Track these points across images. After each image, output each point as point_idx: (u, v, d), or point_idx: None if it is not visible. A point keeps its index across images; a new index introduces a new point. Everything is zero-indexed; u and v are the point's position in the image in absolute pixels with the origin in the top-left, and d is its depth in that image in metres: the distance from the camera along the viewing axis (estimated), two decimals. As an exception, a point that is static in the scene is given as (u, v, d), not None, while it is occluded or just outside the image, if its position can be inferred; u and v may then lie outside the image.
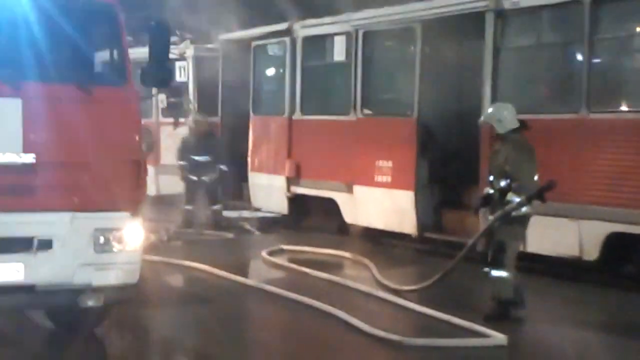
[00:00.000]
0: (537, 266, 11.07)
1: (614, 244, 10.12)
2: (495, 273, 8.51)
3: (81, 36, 7.20)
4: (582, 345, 8.12)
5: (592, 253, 10.29)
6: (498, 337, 7.67)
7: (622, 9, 10.31)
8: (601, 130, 10.28)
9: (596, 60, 10.44)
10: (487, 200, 8.92)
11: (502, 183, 8.59)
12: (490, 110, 9.28)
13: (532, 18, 11.41)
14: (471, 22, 11.86)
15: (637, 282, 10.12)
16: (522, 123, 8.81)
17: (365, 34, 13.73)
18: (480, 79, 11.73)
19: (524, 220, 8.60)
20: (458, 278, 10.44)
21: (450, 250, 12.59)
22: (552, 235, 10.71)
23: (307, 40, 14.94)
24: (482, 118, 9.42)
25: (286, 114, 15.25)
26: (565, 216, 10.52)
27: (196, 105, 18.08)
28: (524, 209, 8.44)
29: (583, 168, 10.39)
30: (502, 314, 8.51)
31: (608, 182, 10.12)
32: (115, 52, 7.22)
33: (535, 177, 8.57)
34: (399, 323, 8.45)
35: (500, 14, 11.51)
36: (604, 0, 10.28)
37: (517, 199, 8.34)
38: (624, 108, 10.45)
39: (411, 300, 9.34)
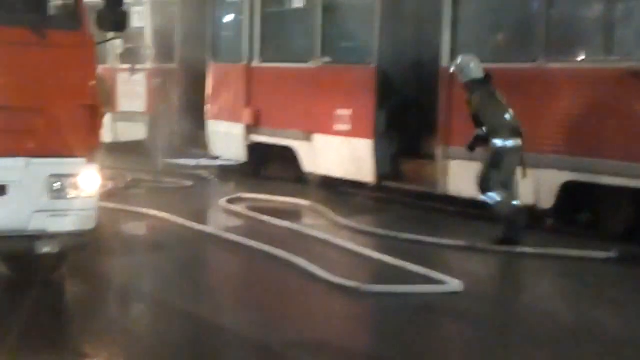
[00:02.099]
0: (490, 214, 11.22)
1: (569, 192, 10.26)
2: (486, 198, 9.66)
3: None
4: (535, 294, 8.26)
5: (547, 201, 10.41)
6: (453, 284, 7.74)
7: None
8: (559, 80, 10.35)
9: (555, 10, 10.47)
10: (476, 141, 9.96)
11: (479, 131, 9.73)
12: (458, 60, 10.04)
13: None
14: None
15: (590, 229, 10.29)
16: (487, 75, 9.83)
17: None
18: (439, 27, 11.72)
19: (501, 152, 9.60)
20: (416, 228, 10.58)
21: (408, 198, 12.72)
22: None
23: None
24: (452, 67, 10.22)
25: (245, 61, 15.16)
26: (539, 165, 10.61)
27: (153, 52, 17.94)
28: (503, 143, 9.54)
29: (540, 117, 10.46)
30: (510, 237, 9.48)
31: (564, 132, 10.23)
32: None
33: (507, 116, 9.69)
34: (357, 270, 8.51)
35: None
36: None
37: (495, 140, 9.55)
38: (581, 57, 10.51)
39: (369, 247, 9.42)
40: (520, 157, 9.70)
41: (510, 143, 9.63)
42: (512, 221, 9.60)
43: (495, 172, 9.66)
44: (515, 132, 9.69)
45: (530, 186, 10.53)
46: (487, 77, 9.92)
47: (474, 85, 9.88)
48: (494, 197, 9.63)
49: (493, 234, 9.71)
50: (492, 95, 9.81)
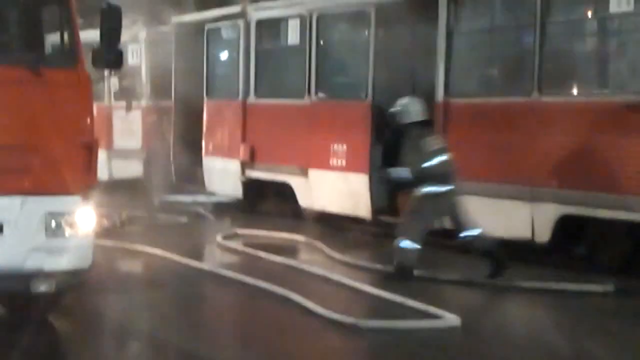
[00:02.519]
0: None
1: (565, 226, 10.26)
2: (401, 243, 9.71)
3: (30, 16, 7.14)
4: (533, 328, 8.23)
5: (544, 235, 10.41)
6: (451, 319, 7.72)
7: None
8: (552, 113, 10.39)
9: (547, 44, 10.53)
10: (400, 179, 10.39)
11: (405, 172, 10.07)
12: (400, 102, 10.17)
13: (484, 2, 11.50)
14: (425, 5, 11.91)
15: (588, 263, 10.28)
16: (427, 120, 10.24)
17: (319, 18, 13.74)
18: (433, 62, 11.79)
19: (425, 198, 9.75)
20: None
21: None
22: (504, 217, 10.82)
23: (261, 23, 14.92)
24: (393, 108, 10.28)
25: (240, 98, 15.22)
26: (518, 198, 10.63)
27: (148, 90, 18.00)
28: (424, 189, 9.71)
29: (535, 151, 10.49)
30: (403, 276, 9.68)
31: (559, 165, 10.25)
32: (65, 33, 7.14)
33: (435, 162, 9.74)
34: (354, 306, 8.49)
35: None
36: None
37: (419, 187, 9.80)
38: (574, 91, 10.58)
39: (366, 283, 9.40)
40: (450, 203, 9.86)
41: (434, 189, 9.70)
42: (404, 268, 9.73)
43: (417, 218, 9.93)
44: (444, 178, 9.74)
45: (526, 220, 10.55)
46: (426, 122, 10.19)
47: (410, 128, 10.04)
48: (405, 244, 9.73)
49: (485, 269, 9.72)
50: (426, 140, 9.88)
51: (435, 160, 9.77)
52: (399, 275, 9.71)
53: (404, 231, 9.86)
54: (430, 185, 9.69)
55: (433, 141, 9.92)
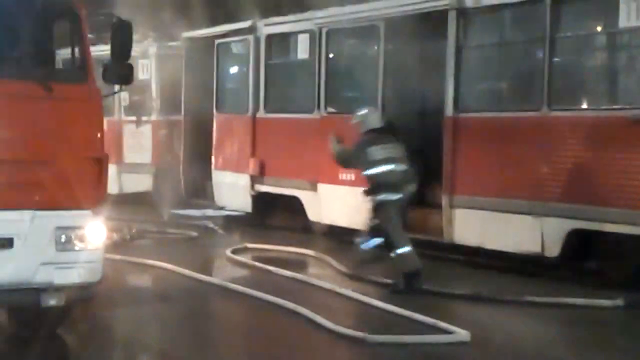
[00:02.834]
0: (497, 263, 11.20)
1: (575, 240, 10.24)
2: (392, 254, 9.95)
3: (41, 32, 7.18)
4: (542, 342, 8.21)
5: (553, 250, 10.39)
6: (461, 334, 7.70)
7: (582, 8, 10.44)
8: (562, 128, 10.38)
9: (557, 59, 10.53)
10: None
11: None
12: (361, 112, 10.65)
13: (493, 17, 11.50)
14: (434, 20, 11.93)
15: (598, 277, 10.26)
16: (383, 128, 10.54)
17: (328, 32, 13.77)
18: (443, 77, 11.80)
19: (383, 205, 10.08)
20: (424, 275, 10.54)
21: (414, 247, 12.69)
22: (513, 232, 10.81)
23: (271, 38, 14.96)
24: (354, 119, 10.79)
25: (250, 112, 15.25)
26: (527, 213, 10.61)
27: (158, 104, 18.06)
28: (380, 197, 10.06)
29: (544, 165, 10.48)
30: (407, 286, 9.80)
31: (569, 180, 10.23)
32: (76, 49, 7.18)
33: (369, 172, 10.17)
34: (363, 320, 8.48)
35: (462, 13, 11.59)
36: (558, 21, 10.41)
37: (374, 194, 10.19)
38: (584, 106, 10.56)
39: (375, 297, 9.38)
40: (402, 210, 10.21)
41: (386, 197, 10.02)
42: (412, 270, 9.90)
43: (389, 225, 10.09)
44: (394, 187, 10.03)
45: (536, 234, 10.53)
46: (384, 129, 10.48)
47: (368, 135, 10.37)
48: (371, 243, 10.28)
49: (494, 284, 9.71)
50: (372, 149, 10.16)
51: (378, 169, 10.07)
52: (409, 283, 9.80)
53: (394, 242, 9.99)
54: (384, 193, 10.02)
55: (380, 150, 10.13)
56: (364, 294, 9.55)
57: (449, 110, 11.69)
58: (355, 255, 10.47)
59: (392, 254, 9.95)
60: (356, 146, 10.45)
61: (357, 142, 10.44)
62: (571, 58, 10.70)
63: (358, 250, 10.44)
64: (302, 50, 14.34)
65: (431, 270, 11.30)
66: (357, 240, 10.54)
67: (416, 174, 10.38)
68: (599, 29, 10.51)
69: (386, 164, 10.06)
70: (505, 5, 11.19)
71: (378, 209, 10.20)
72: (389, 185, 10.05)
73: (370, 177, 10.21)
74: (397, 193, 10.03)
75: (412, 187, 10.25)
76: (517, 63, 11.36)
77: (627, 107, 9.88)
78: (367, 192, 10.29)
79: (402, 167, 10.15)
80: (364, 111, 10.79)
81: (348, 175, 13.17)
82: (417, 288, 9.75)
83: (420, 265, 9.96)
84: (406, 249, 9.92)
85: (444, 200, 11.72)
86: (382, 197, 10.06)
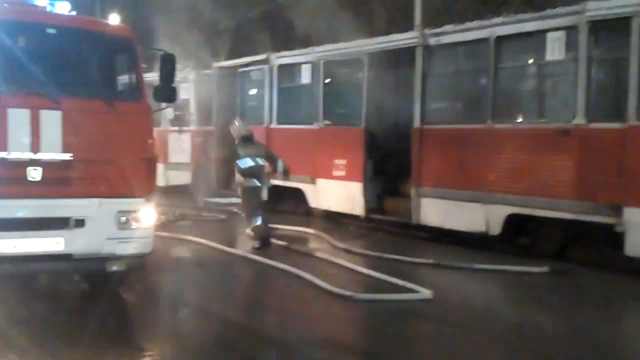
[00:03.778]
0: (454, 239, 11.22)
1: (512, 222, 10.27)
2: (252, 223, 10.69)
3: (106, 62, 7.21)
4: (488, 299, 8.24)
5: (495, 229, 10.42)
6: (425, 293, 7.73)
7: (517, 45, 10.43)
8: (502, 137, 10.39)
9: (499, 84, 10.54)
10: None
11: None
12: (235, 124, 11.73)
13: (450, 52, 11.48)
14: (405, 54, 11.94)
15: (529, 250, 10.28)
16: (250, 134, 11.39)
17: (325, 63, 13.76)
18: (412, 97, 11.81)
19: (246, 189, 10.93)
20: (396, 249, 10.57)
21: (390, 227, 12.71)
22: (465, 215, 10.84)
23: (281, 67, 14.93)
24: (230, 127, 11.73)
25: (265, 124, 15.23)
26: (476, 201, 10.64)
27: (196, 118, 18.08)
28: (245, 183, 10.88)
29: (489, 164, 10.49)
30: (263, 245, 10.58)
31: (507, 175, 10.25)
32: (133, 75, 7.21)
33: (252, 164, 10.83)
34: (351, 282, 8.46)
35: (427, 49, 11.61)
36: (503, 39, 10.40)
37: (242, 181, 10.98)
38: (519, 120, 10.56)
39: (360, 265, 9.39)
40: (259, 193, 10.80)
41: (249, 184, 10.78)
42: (262, 236, 10.67)
43: (247, 203, 10.98)
44: (256, 177, 10.78)
45: (482, 217, 10.55)
46: (251, 136, 11.33)
47: (240, 141, 11.15)
48: (254, 221, 10.67)
49: (452, 254, 9.71)
50: (249, 149, 10.98)
51: (246, 164, 10.80)
52: (263, 244, 10.60)
53: (247, 216, 10.87)
54: (250, 181, 10.78)
55: (247, 150, 10.93)
56: (352, 262, 9.56)
57: (416, 122, 11.69)
58: (255, 234, 10.71)
59: (253, 223, 10.66)
60: (234, 150, 11.24)
61: (235, 147, 11.25)
62: (509, 83, 10.69)
63: (255, 230, 10.68)
64: (305, 77, 14.31)
65: (402, 244, 11.35)
66: (249, 224, 10.82)
67: (272, 168, 11.19)
68: (530, 61, 10.50)
69: (252, 161, 10.81)
70: (459, 43, 11.19)
71: (243, 192, 10.99)
72: (254, 175, 10.77)
73: (240, 170, 10.87)
74: (259, 181, 10.76)
75: (267, 177, 11.04)
76: (468, 87, 11.36)
77: (552, 121, 9.91)
78: (237, 180, 11.09)
79: (260, 162, 10.85)
80: (236, 123, 11.73)
81: (340, 172, 13.19)
82: (268, 246, 10.60)
83: (269, 231, 10.90)
84: (258, 221, 10.62)
85: (413, 191, 11.72)
86: (247, 183, 10.80)
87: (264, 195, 10.87)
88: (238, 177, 11.04)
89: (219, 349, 6.24)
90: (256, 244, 10.59)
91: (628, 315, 7.86)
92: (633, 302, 8.21)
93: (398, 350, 6.15)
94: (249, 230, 10.76)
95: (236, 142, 11.25)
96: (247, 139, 11.19)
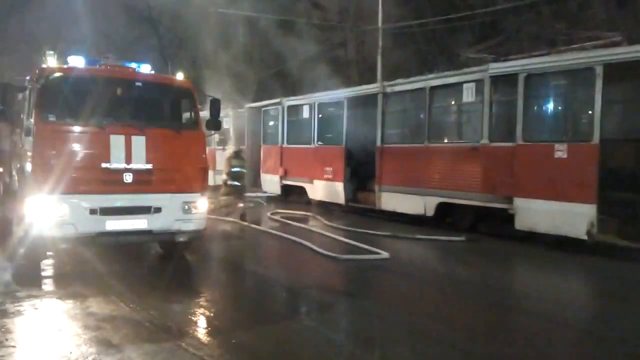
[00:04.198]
0: (403, 218, 11.25)
1: (441, 207, 10.31)
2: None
3: (175, 104, 7.23)
4: (425, 258, 8.26)
5: (430, 212, 10.46)
6: (385, 254, 7.76)
7: (444, 92, 10.46)
8: (434, 152, 10.43)
9: (432, 117, 10.57)
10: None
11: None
12: (229, 146, 12.14)
13: (400, 96, 11.52)
14: (371, 98, 11.97)
15: (452, 226, 10.32)
16: (237, 153, 11.47)
17: (318, 104, 13.79)
18: (375, 126, 11.84)
19: (231, 187, 11.11)
20: (365, 226, 10.56)
21: (361, 211, 12.75)
22: (410, 203, 10.87)
23: (289, 107, 14.95)
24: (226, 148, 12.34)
25: (279, 144, 15.25)
26: (417, 194, 10.67)
27: (233, 140, 18.08)
28: (231, 182, 11.07)
29: (426, 170, 10.53)
30: (242, 220, 10.79)
31: (438, 177, 10.29)
32: (192, 113, 7.22)
33: (236, 170, 11.09)
34: (336, 247, 8.49)
35: (385, 94, 11.64)
36: (435, 88, 10.43)
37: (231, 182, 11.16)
38: (446, 140, 10.57)
39: (341, 236, 9.42)
40: (239, 189, 11.10)
41: (233, 183, 11.05)
42: (241, 214, 10.99)
43: (232, 194, 11.16)
44: (236, 178, 11.03)
45: (422, 204, 10.59)
46: (240, 152, 11.49)
47: (234, 155, 11.28)
48: (240, 205, 11.04)
49: (404, 229, 9.73)
50: (238, 161, 11.13)
51: (235, 170, 11.04)
52: (243, 220, 10.78)
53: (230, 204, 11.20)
54: (234, 181, 11.03)
55: (237, 162, 11.09)
56: (336, 234, 9.58)
57: (378, 142, 11.73)
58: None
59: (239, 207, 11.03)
60: (227, 160, 11.28)
61: (227, 159, 11.32)
62: (439, 117, 10.71)
63: (240, 208, 11.10)
64: (305, 113, 14.32)
65: (369, 222, 11.37)
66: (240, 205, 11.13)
67: (244, 175, 11.26)
68: (452, 102, 10.53)
69: (236, 168, 11.05)
70: (406, 91, 11.21)
71: (229, 187, 11.11)
72: (237, 178, 11.04)
73: (230, 173, 11.02)
74: (238, 181, 11.06)
75: (243, 180, 11.21)
76: (411, 119, 11.38)
77: (466, 141, 9.96)
78: (226, 180, 11.12)
79: (242, 170, 11.13)
80: (229, 145, 12.41)
81: (328, 175, 13.21)
82: (245, 222, 10.69)
83: (244, 211, 11.08)
84: (240, 205, 11.06)
85: (376, 187, 11.75)
86: (232, 182, 11.03)
87: (244, 190, 11.28)
88: (223, 177, 11.29)
89: (248, 291, 6.26)
90: (237, 218, 10.99)
91: (517, 267, 7.91)
92: (520, 259, 8.26)
93: (367, 291, 6.19)
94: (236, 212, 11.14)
95: (232, 155, 11.41)
96: (238, 155, 11.37)
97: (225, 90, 16.53)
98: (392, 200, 11.43)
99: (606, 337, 4.74)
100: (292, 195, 14.95)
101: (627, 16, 14.37)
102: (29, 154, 6.07)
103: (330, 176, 13.20)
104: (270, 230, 10.05)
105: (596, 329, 5.02)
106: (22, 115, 7.05)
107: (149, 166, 6.46)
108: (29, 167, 6.05)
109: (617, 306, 5.75)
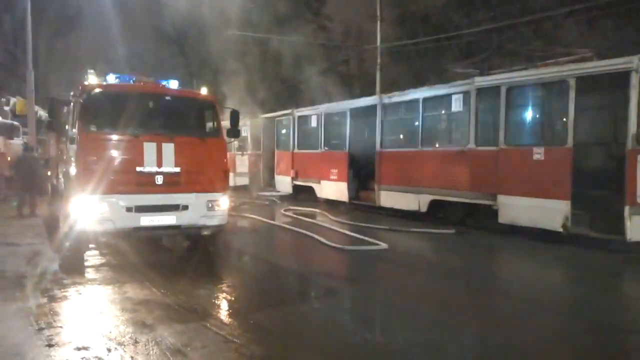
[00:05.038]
0: (400, 214, 11.22)
1: (433, 204, 10.26)
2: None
3: (199, 115, 7.22)
4: (420, 248, 8.23)
5: (424, 208, 10.41)
6: (384, 245, 7.74)
7: (435, 102, 10.41)
8: (427, 155, 10.39)
9: (425, 125, 10.54)
10: None
11: None
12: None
13: (397, 106, 11.51)
14: (371, 109, 11.96)
15: (443, 220, 10.28)
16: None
17: (325, 114, 13.78)
18: (375, 133, 11.82)
19: None
20: (366, 220, 10.54)
21: (363, 208, 12.72)
22: (407, 200, 10.84)
23: (300, 117, 14.96)
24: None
25: (291, 149, 15.26)
26: (412, 192, 10.64)
27: (251, 146, 18.14)
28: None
29: (420, 171, 10.49)
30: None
31: (431, 177, 10.25)
32: (215, 122, 7.21)
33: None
34: (342, 239, 8.50)
35: (383, 105, 11.62)
36: (427, 99, 10.40)
37: None
38: (437, 145, 10.48)
39: (346, 229, 9.40)
40: None
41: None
42: None
43: None
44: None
45: (416, 201, 10.55)
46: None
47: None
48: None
49: (398, 222, 9.68)
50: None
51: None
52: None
53: None
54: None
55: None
56: (341, 228, 9.57)
57: (377, 147, 11.71)
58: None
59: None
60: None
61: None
62: (431, 125, 10.67)
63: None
64: (313, 122, 14.34)
65: (370, 217, 11.36)
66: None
67: None
68: (443, 112, 10.50)
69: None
70: (402, 102, 11.18)
71: None
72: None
73: None
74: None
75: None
76: (407, 126, 11.36)
77: (455, 146, 9.91)
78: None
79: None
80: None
81: (334, 176, 13.21)
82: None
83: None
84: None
85: (376, 187, 11.74)
86: None
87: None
88: None
89: (265, 278, 6.26)
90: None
91: (500, 256, 7.86)
92: (504, 249, 8.20)
93: (368, 277, 6.18)
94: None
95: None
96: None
97: (242, 102, 16.59)
98: (390, 198, 11.40)
99: (576, 316, 4.71)
100: (302, 194, 14.97)
101: (596, 35, 14.25)
102: (73, 159, 6.13)
103: (335, 177, 13.19)
104: (283, 225, 10.05)
105: (568, 310, 4.98)
106: (67, 126, 7.11)
107: (177, 169, 6.45)
108: (73, 171, 6.11)
109: (588, 290, 5.70)
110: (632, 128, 7.08)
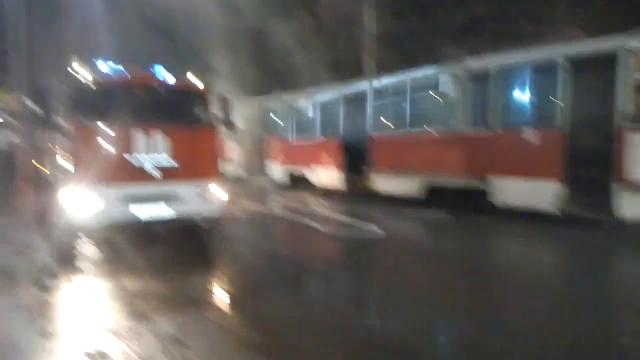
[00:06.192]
0: (396, 200, 11.21)
1: (431, 190, 10.24)
2: None
3: (191, 104, 7.13)
4: (416, 233, 8.23)
5: (422, 194, 10.37)
6: (380, 232, 7.73)
7: (423, 83, 10.27)
8: (417, 139, 10.31)
9: (413, 108, 10.47)
10: None
11: None
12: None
13: (385, 91, 11.40)
14: (362, 94, 11.87)
15: (439, 205, 10.27)
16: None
17: (321, 103, 13.68)
18: (366, 118, 11.74)
19: None
20: (362, 206, 10.52)
21: (358, 194, 12.70)
22: (404, 186, 10.80)
23: (294, 102, 14.86)
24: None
25: (285, 136, 15.16)
26: (412, 177, 10.59)
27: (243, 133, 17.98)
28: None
29: (414, 155, 10.44)
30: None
31: (427, 162, 10.17)
32: (206, 111, 7.11)
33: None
34: (338, 226, 8.49)
35: (373, 91, 11.51)
36: (414, 90, 10.27)
37: None
38: (425, 127, 10.48)
39: (343, 216, 9.38)
40: None
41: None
42: None
43: None
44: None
45: (415, 187, 10.51)
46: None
47: None
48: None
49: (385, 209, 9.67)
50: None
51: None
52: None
53: None
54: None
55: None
56: (338, 216, 9.55)
57: (370, 132, 11.64)
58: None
59: None
60: None
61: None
62: (419, 106, 10.51)
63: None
64: (308, 109, 14.24)
65: (366, 203, 11.33)
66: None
67: None
68: (430, 92, 10.32)
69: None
70: (391, 84, 11.09)
71: None
72: None
73: None
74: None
75: None
76: (396, 110, 11.22)
77: (446, 128, 9.83)
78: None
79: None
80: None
81: (329, 164, 13.15)
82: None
83: None
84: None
85: (371, 172, 11.70)
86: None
87: None
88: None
89: (260, 265, 6.25)
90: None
91: (490, 237, 7.86)
92: (495, 231, 8.22)
93: (364, 264, 6.18)
94: None
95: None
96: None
97: (234, 88, 16.40)
98: (385, 183, 11.36)
99: (568, 296, 4.73)
100: (296, 182, 14.92)
101: (587, 14, 14.12)
102: (64, 150, 6.03)
103: (331, 165, 13.14)
104: (280, 213, 10.00)
105: (561, 289, 5.01)
106: (56, 117, 7.00)
107: (170, 159, 6.41)
108: (64, 162, 6.01)
109: (581, 269, 5.72)
110: (619, 106, 7.06)
